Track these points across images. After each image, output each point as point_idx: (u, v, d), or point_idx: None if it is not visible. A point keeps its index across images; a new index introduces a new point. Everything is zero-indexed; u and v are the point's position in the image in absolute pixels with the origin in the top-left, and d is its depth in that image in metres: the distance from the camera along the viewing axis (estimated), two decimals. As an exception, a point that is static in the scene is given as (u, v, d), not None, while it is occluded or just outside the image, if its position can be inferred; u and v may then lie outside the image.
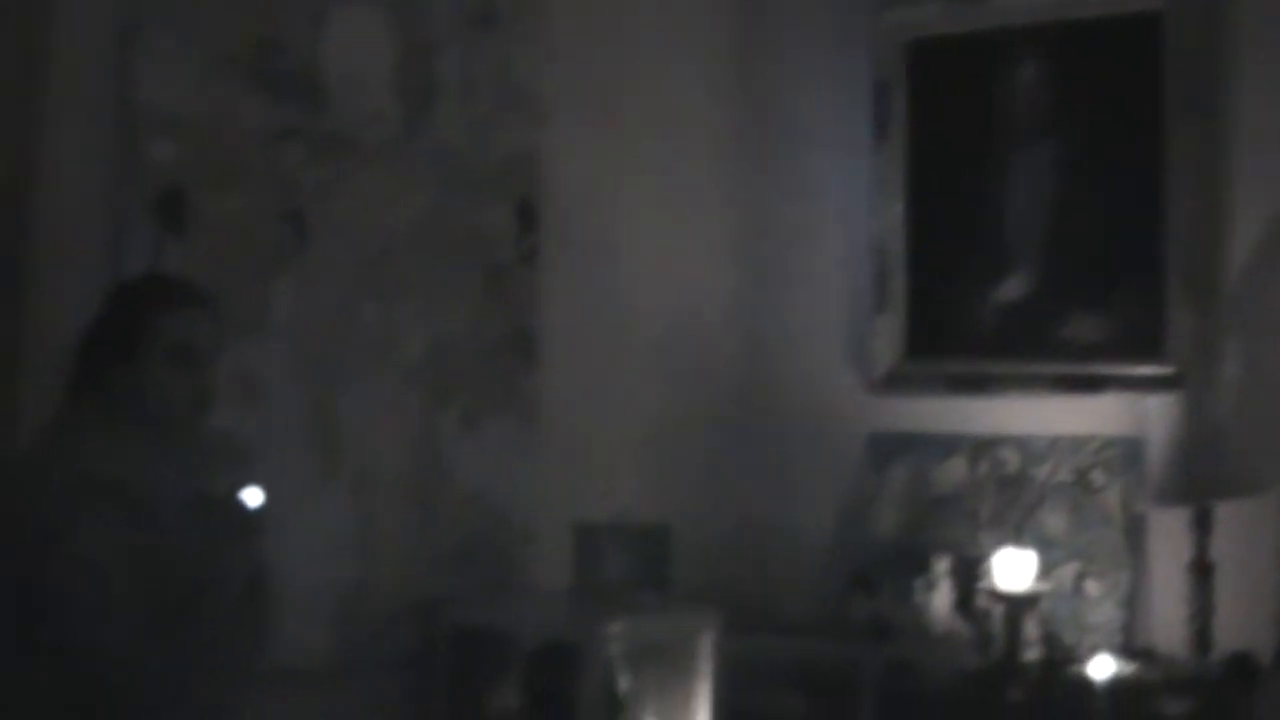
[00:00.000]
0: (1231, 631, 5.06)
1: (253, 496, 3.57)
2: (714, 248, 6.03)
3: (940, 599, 5.39)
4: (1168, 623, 5.21)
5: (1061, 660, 5.16)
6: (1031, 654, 5.14)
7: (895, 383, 5.82)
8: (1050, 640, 5.22)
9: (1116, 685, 4.89)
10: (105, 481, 3.38)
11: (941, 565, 5.41)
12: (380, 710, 4.95)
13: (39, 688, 3.40)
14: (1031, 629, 5.15)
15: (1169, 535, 5.23)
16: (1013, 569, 5.11)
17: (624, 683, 4.91)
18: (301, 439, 4.82)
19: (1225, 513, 5.12)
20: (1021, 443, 5.56)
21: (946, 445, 5.68)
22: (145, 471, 3.45)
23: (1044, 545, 5.31)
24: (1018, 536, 5.38)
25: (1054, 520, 5.45)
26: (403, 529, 5.06)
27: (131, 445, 3.48)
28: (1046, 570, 5.22)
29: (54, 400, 3.82)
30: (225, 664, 3.56)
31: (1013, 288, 5.70)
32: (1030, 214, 5.69)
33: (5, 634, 3.44)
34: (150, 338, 3.53)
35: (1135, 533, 5.35)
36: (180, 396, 3.55)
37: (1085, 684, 4.92)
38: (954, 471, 5.65)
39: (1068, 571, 5.36)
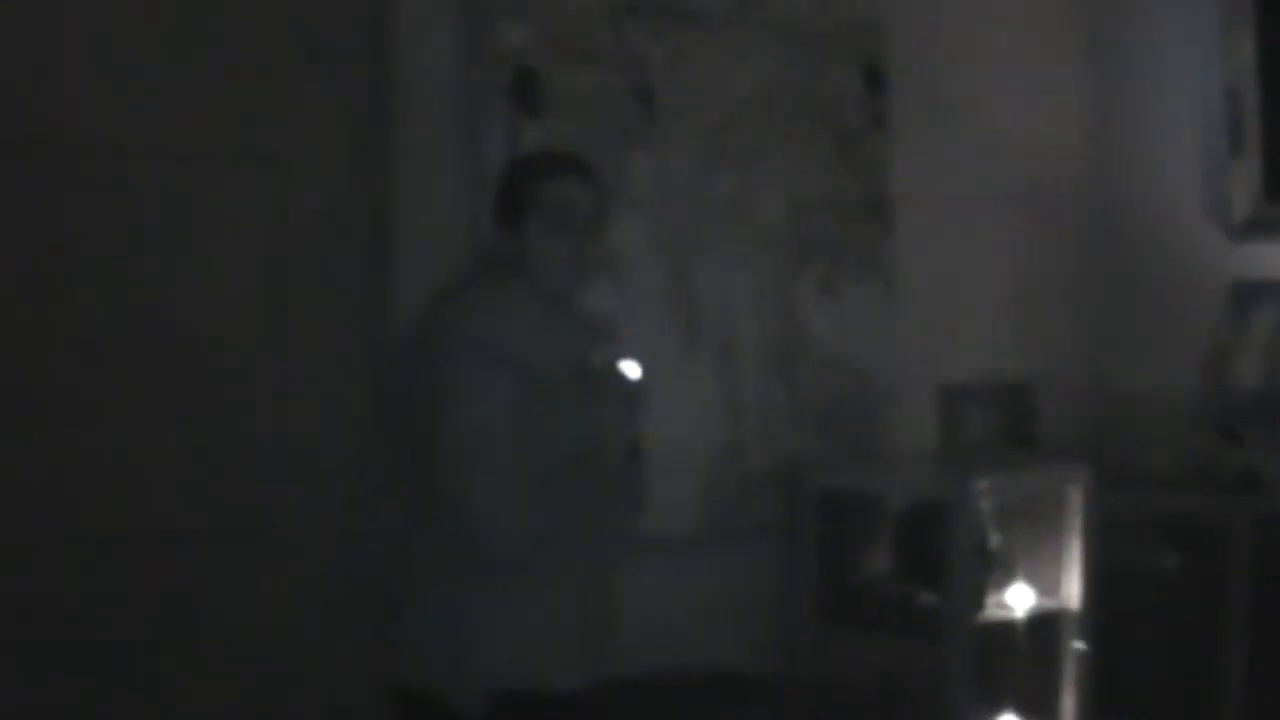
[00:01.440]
0: None
1: (632, 369, 3.66)
2: (1064, 101, 5.94)
3: (1311, 449, 5.30)
4: None
5: None
6: None
7: (1255, 228, 5.65)
8: None
9: None
10: (497, 345, 3.49)
11: (1311, 413, 5.32)
12: (751, 574, 5.03)
13: (434, 539, 3.56)
14: None
15: None
16: (1387, 414, 5.01)
17: (995, 540, 4.92)
18: (664, 309, 4.89)
19: None
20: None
21: (1311, 291, 5.55)
22: (534, 338, 3.56)
23: None
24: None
25: None
26: (766, 395, 5.11)
27: (521, 312, 3.60)
28: None
29: (424, 273, 3.98)
30: (606, 528, 3.67)
31: (1374, 124, 5.53)
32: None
33: (407, 488, 3.61)
34: (531, 203, 3.64)
35: None
36: (560, 260, 3.64)
37: None
38: (1319, 317, 5.52)
39: None
